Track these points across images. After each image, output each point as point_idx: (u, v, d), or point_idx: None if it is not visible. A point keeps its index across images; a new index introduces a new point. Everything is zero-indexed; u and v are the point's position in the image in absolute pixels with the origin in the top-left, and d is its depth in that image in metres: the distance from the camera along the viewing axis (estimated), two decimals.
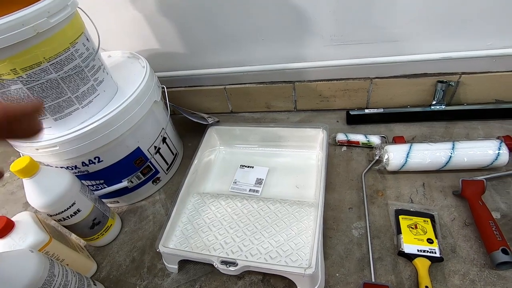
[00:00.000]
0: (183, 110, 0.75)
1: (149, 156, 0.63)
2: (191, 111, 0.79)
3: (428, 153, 0.59)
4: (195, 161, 0.66)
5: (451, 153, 0.57)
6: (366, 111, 0.74)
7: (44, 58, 0.45)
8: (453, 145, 0.58)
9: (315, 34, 0.66)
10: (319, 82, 0.75)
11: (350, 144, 0.70)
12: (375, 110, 0.73)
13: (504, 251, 0.44)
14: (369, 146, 0.68)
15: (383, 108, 0.74)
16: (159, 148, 0.66)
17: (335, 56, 0.70)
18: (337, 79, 0.74)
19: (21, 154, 0.56)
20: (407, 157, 0.59)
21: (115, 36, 0.73)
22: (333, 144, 0.71)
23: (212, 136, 0.73)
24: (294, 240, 0.51)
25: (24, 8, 0.41)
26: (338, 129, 0.74)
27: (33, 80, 0.46)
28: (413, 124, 0.72)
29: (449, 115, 0.70)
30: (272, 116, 0.84)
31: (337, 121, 0.78)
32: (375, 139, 0.67)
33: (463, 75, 0.67)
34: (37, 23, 0.42)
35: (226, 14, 0.66)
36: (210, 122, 0.73)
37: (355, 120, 0.75)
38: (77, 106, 0.52)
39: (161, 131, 0.66)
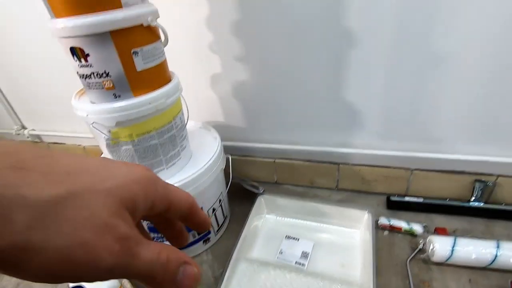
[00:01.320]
0: (239, 178, 0.83)
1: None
2: (244, 178, 0.87)
3: (473, 249, 0.61)
4: (245, 227, 0.71)
5: (497, 253, 0.60)
6: (406, 198, 0.79)
7: (154, 128, 0.56)
8: (498, 244, 0.61)
9: (363, 126, 0.77)
10: (362, 167, 0.83)
11: (392, 229, 0.73)
12: (415, 199, 0.78)
13: None
14: (410, 234, 0.71)
15: (423, 197, 0.79)
16: (215, 210, 0.72)
17: (379, 147, 0.78)
18: (379, 166, 0.81)
19: None
20: (452, 250, 0.61)
21: (190, 107, 0.87)
22: (375, 227, 0.75)
23: (261, 204, 0.79)
24: None
25: (153, 91, 0.54)
26: (378, 213, 0.78)
27: (141, 144, 0.56)
28: (453, 217, 0.76)
29: (488, 213, 0.74)
30: (314, 192, 0.90)
31: (378, 205, 0.82)
32: (417, 228, 0.71)
33: (500, 177, 0.73)
34: (158, 102, 0.54)
35: (288, 101, 0.79)
36: (261, 192, 0.80)
37: (395, 206, 0.79)
38: (164, 167, 0.61)
39: (220, 195, 0.73)
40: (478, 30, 0.58)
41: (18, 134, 1.17)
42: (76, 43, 0.47)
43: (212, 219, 0.72)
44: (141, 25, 0.49)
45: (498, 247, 0.61)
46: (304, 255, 0.69)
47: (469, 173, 0.75)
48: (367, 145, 0.79)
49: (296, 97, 0.77)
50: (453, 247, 0.62)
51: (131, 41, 0.49)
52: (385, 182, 0.83)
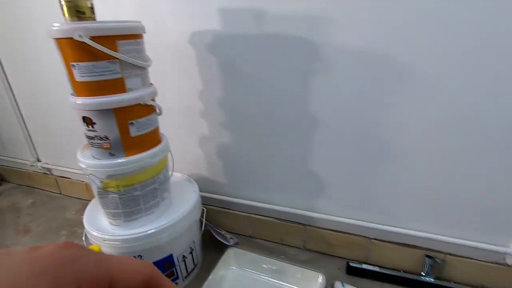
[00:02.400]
0: (212, 228, 0.92)
1: (176, 263, 0.77)
2: (218, 229, 0.95)
3: None
4: (210, 277, 0.78)
5: None
6: (364, 266, 0.85)
7: (138, 181, 0.68)
8: None
9: (327, 194, 0.86)
10: (326, 231, 0.90)
11: None
12: (371, 267, 0.84)
13: None
14: None
15: (380, 267, 0.84)
16: (186, 258, 0.80)
17: (341, 214, 0.87)
18: (341, 232, 0.89)
19: (85, 236, 0.74)
20: None
21: (180, 160, 1.00)
22: None
23: (230, 256, 0.87)
24: None
25: (143, 152, 0.67)
26: (338, 276, 0.84)
27: (125, 194, 0.67)
28: None
29: None
30: (283, 249, 0.97)
31: (338, 269, 0.88)
32: None
33: (448, 255, 0.79)
34: (144, 161, 0.67)
35: (263, 164, 0.90)
36: (231, 244, 0.88)
37: (353, 272, 0.85)
38: (143, 214, 0.72)
39: (192, 243, 0.82)
40: (418, 125, 0.70)
41: (32, 166, 1.31)
42: (87, 114, 0.61)
43: (182, 266, 0.80)
44: (139, 104, 0.64)
45: None
46: None
47: (421, 248, 0.81)
48: (331, 211, 0.88)
49: (271, 162, 0.89)
50: None
51: (129, 115, 0.63)
52: (348, 248, 0.90)
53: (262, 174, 0.92)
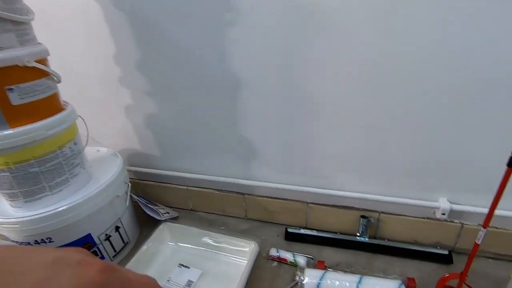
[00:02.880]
0: (143, 204, 0.86)
1: (97, 242, 0.72)
2: (151, 204, 0.90)
3: (338, 283, 0.65)
4: (139, 252, 0.73)
5: (357, 287, 0.64)
6: (302, 231, 0.83)
7: (33, 157, 0.60)
8: (361, 279, 0.65)
9: (262, 160, 0.82)
10: (264, 198, 0.87)
11: (280, 260, 0.77)
12: (308, 232, 0.82)
13: None
14: (295, 265, 0.75)
15: (317, 230, 0.83)
16: (110, 236, 0.75)
17: (278, 180, 0.83)
18: (279, 198, 0.86)
19: None
20: (318, 284, 0.65)
21: (108, 135, 0.92)
22: (266, 258, 0.78)
23: (163, 231, 0.82)
24: None
25: (34, 123, 0.58)
26: (276, 243, 0.82)
27: (19, 171, 0.59)
28: (341, 250, 0.80)
29: (372, 248, 0.78)
30: (225, 220, 0.93)
31: (278, 235, 0.86)
32: (301, 260, 0.74)
33: (382, 214, 0.78)
34: (35, 133, 0.58)
35: (195, 134, 0.84)
36: (163, 219, 0.83)
37: (292, 237, 0.83)
38: (48, 193, 0.64)
39: (116, 221, 0.76)
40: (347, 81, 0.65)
41: None
42: None
43: (107, 245, 0.75)
44: (16, 65, 0.54)
45: (360, 282, 0.64)
46: (189, 284, 0.71)
47: (357, 209, 0.80)
48: (266, 178, 0.84)
49: (202, 131, 0.83)
50: (320, 280, 0.66)
51: (5, 80, 0.54)
52: (287, 214, 0.87)
53: (194, 144, 0.86)
